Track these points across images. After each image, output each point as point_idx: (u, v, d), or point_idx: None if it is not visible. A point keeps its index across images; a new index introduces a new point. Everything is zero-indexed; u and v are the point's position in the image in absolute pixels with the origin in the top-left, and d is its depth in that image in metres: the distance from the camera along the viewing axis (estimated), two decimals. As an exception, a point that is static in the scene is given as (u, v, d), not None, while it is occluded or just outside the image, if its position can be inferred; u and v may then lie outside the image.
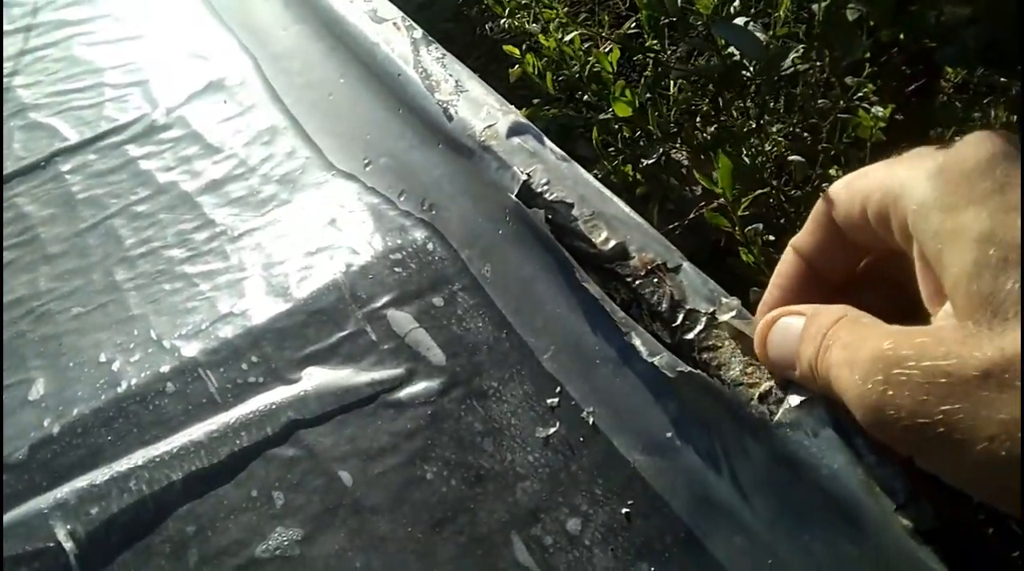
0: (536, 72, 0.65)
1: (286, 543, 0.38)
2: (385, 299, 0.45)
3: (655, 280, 0.37)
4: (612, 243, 0.39)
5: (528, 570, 0.35)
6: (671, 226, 0.59)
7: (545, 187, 0.42)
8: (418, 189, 0.49)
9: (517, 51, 0.66)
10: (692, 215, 0.60)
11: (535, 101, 0.70)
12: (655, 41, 0.65)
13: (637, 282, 0.37)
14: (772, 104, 0.61)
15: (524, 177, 0.43)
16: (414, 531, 0.37)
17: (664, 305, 0.36)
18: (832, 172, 0.58)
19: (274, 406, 0.42)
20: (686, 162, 0.66)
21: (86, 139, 0.62)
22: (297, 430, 0.41)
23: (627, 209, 0.40)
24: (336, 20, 0.59)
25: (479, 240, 0.45)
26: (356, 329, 0.45)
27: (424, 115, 0.49)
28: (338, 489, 0.39)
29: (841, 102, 0.56)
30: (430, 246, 0.47)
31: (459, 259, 0.45)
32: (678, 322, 0.35)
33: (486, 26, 0.84)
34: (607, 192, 0.41)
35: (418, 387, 0.41)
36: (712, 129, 0.61)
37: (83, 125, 0.63)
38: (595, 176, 0.50)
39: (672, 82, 0.69)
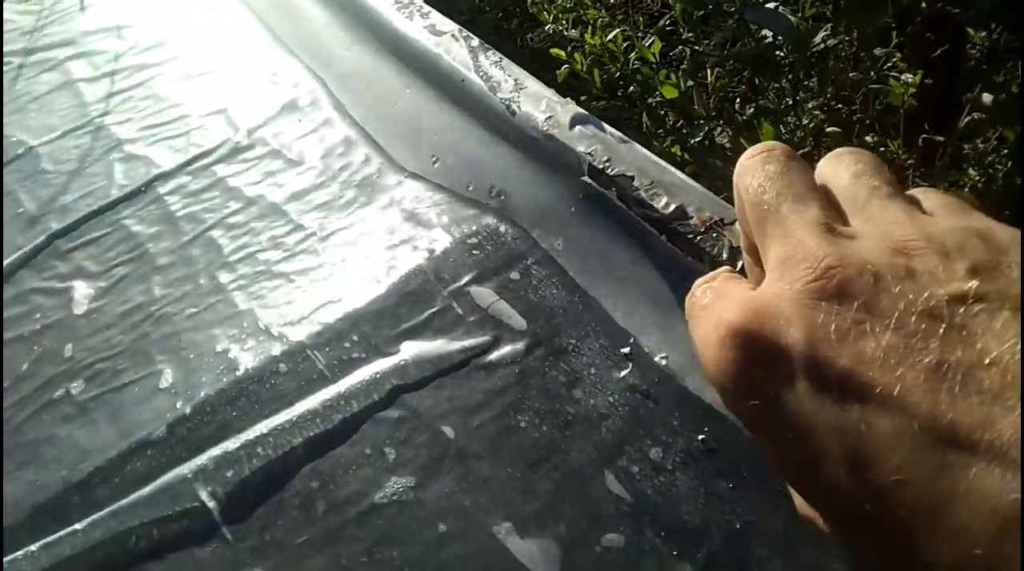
0: (584, 70, 0.70)
1: (401, 490, 0.42)
2: (467, 278, 0.50)
3: (714, 234, 0.41)
4: (672, 206, 0.43)
5: (620, 497, 0.39)
6: (721, 197, 0.62)
7: (607, 164, 0.47)
8: (486, 179, 0.54)
9: (563, 53, 0.71)
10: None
11: (583, 98, 0.75)
12: (691, 34, 0.69)
13: (698, 238, 0.42)
14: (806, 81, 0.65)
15: (589, 158, 0.47)
16: (513, 471, 0.41)
17: (724, 254, 0.40)
18: (868, 139, 0.62)
19: (378, 375, 0.47)
20: (729, 145, 0.70)
21: (179, 164, 0.69)
22: (401, 394, 0.46)
23: (683, 176, 0.45)
24: (397, 37, 0.64)
25: (549, 218, 0.50)
26: (443, 306, 0.50)
27: (489, 114, 0.55)
28: (442, 442, 0.44)
29: (872, 73, 0.59)
30: (502, 228, 0.52)
31: (530, 237, 0.50)
32: (739, 268, 0.40)
33: (527, 37, 0.89)
34: (664, 163, 0.46)
35: (504, 350, 0.46)
36: (751, 110, 0.66)
37: (175, 152, 0.70)
38: (646, 159, 0.54)
39: (709, 71, 0.74)
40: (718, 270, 0.30)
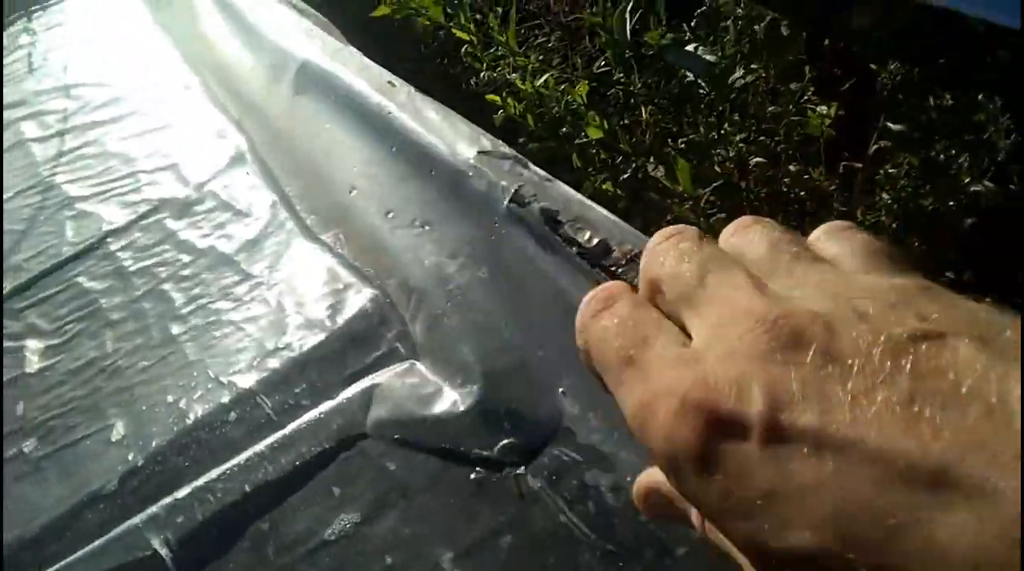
0: (518, 114, 0.73)
1: (348, 526, 0.44)
2: (407, 315, 0.52)
3: (635, 266, 0.44)
4: (596, 241, 0.46)
5: (562, 522, 0.41)
6: (651, 230, 0.65)
7: (533, 198, 0.49)
8: (409, 210, 0.56)
9: (498, 98, 0.74)
10: (668, 218, 0.67)
11: (520, 140, 0.78)
12: (622, 75, 0.73)
13: (619, 270, 0.44)
14: (730, 116, 0.68)
15: (514, 188, 0.50)
16: (456, 501, 0.43)
17: (643, 284, 0.43)
18: (792, 167, 0.65)
19: (323, 417, 0.49)
20: (662, 177, 0.73)
21: (131, 220, 0.70)
22: (347, 434, 0.47)
23: (605, 212, 0.47)
24: (337, 88, 0.67)
25: (473, 247, 0.52)
26: (388, 349, 0.51)
27: (416, 149, 0.57)
28: (386, 477, 0.45)
29: (790, 106, 0.63)
30: (427, 261, 0.53)
31: (454, 265, 0.52)
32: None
33: (470, 81, 0.92)
34: (587, 201, 0.48)
35: (445, 385, 0.48)
36: (682, 144, 0.69)
37: (126, 208, 0.72)
38: (581, 196, 0.57)
39: (643, 109, 0.77)
40: (609, 285, 0.27)
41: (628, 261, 0.44)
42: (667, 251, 0.29)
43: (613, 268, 0.44)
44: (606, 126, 0.61)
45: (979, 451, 0.18)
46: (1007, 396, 0.19)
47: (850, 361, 0.21)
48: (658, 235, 0.30)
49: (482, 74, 0.78)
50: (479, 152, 0.54)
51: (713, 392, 0.22)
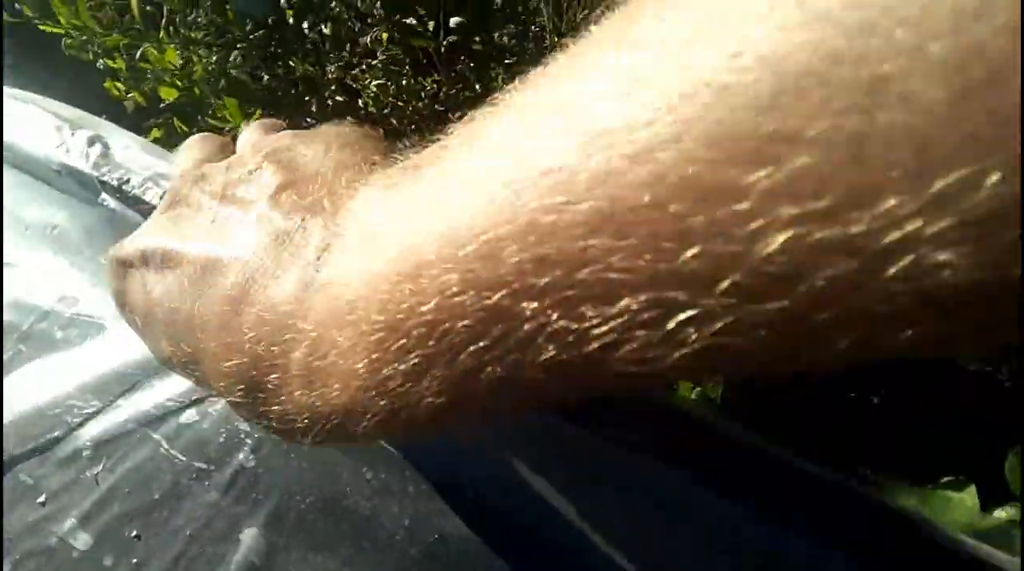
0: (128, 94, 0.72)
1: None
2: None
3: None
4: (161, 193, 0.47)
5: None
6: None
7: (107, 173, 0.49)
8: (43, 214, 0.55)
9: (111, 85, 0.72)
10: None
11: (160, 119, 0.76)
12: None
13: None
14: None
15: (95, 174, 0.50)
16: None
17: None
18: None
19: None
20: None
21: None
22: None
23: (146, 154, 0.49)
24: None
25: (95, 237, 0.52)
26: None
27: (16, 153, 0.56)
28: None
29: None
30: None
31: (80, 259, 0.52)
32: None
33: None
34: (158, 159, 0.49)
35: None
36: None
37: None
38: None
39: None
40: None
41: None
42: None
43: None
44: (180, 84, 0.62)
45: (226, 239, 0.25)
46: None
47: (188, 199, 0.28)
48: None
49: (99, 63, 0.76)
50: (59, 145, 0.53)
51: (122, 251, 0.29)
